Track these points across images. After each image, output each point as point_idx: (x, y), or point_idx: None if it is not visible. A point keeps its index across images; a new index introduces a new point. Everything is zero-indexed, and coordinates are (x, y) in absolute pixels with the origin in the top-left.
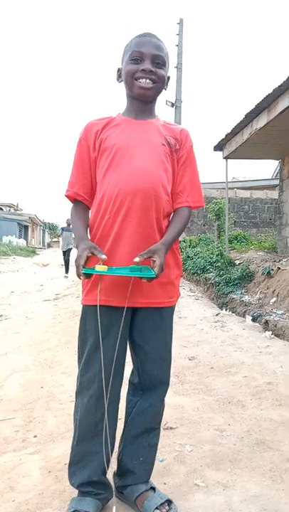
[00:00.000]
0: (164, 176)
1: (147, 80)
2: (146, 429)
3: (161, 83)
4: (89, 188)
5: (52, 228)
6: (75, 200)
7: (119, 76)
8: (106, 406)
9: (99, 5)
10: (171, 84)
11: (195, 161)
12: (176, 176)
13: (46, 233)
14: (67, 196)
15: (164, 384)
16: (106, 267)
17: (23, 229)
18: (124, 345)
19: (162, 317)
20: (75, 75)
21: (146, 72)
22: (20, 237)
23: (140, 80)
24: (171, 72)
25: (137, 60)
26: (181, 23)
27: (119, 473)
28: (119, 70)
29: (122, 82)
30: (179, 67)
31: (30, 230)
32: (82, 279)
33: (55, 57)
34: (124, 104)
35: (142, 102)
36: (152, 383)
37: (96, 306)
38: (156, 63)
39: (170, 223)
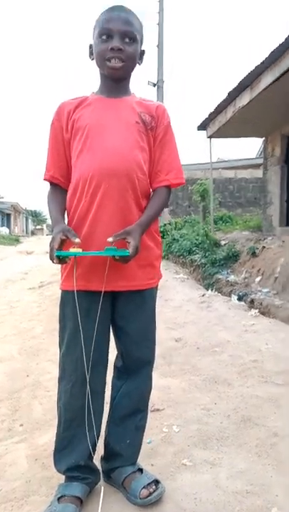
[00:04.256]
0: (140, 156)
1: (116, 60)
2: (132, 411)
3: (131, 61)
4: (65, 170)
5: (35, 215)
6: (51, 183)
7: (91, 53)
8: (89, 391)
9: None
10: (153, 64)
11: (173, 138)
12: (154, 154)
13: (29, 221)
14: (45, 180)
15: (148, 363)
16: (80, 249)
17: (6, 217)
18: (107, 329)
19: (144, 299)
20: (55, 55)
21: (114, 51)
22: (2, 226)
23: (111, 60)
24: (153, 51)
25: (106, 37)
26: (161, 1)
27: (106, 457)
28: (90, 47)
29: (94, 60)
30: (160, 47)
31: (12, 217)
32: (57, 263)
33: (33, 38)
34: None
35: (114, 80)
36: (136, 365)
37: (75, 291)
38: (125, 40)
39: (148, 203)
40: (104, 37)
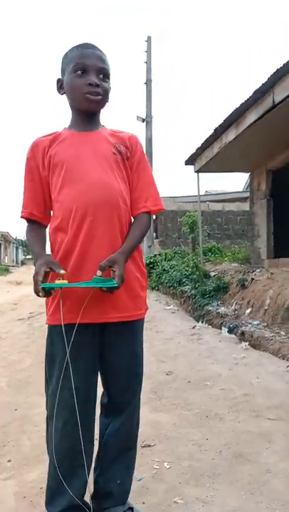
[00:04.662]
0: (122, 186)
1: (94, 94)
2: (121, 449)
3: (106, 96)
4: (42, 206)
5: (25, 245)
6: (29, 220)
7: (60, 87)
8: (81, 429)
9: (65, 22)
10: (142, 100)
11: (148, 165)
12: (131, 183)
13: (20, 250)
14: (22, 218)
15: (136, 397)
16: (66, 281)
17: None
18: (97, 363)
19: (132, 331)
20: (39, 88)
21: (93, 86)
22: None
23: (88, 94)
24: (141, 88)
25: (82, 72)
26: (149, 40)
27: (96, 497)
28: (59, 81)
29: (64, 94)
30: (148, 84)
31: (2, 247)
32: (42, 296)
33: (12, 71)
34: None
35: (87, 114)
36: (124, 399)
37: (63, 325)
38: (100, 76)
39: (129, 231)
40: (79, 72)
